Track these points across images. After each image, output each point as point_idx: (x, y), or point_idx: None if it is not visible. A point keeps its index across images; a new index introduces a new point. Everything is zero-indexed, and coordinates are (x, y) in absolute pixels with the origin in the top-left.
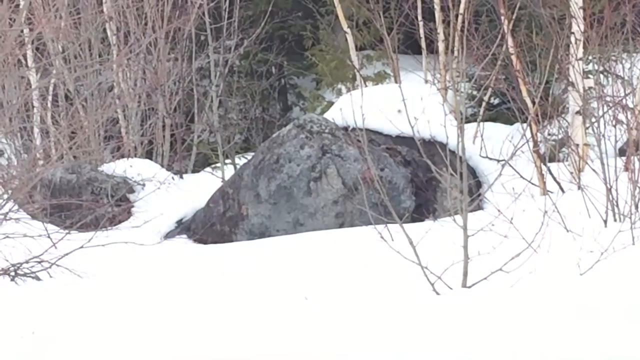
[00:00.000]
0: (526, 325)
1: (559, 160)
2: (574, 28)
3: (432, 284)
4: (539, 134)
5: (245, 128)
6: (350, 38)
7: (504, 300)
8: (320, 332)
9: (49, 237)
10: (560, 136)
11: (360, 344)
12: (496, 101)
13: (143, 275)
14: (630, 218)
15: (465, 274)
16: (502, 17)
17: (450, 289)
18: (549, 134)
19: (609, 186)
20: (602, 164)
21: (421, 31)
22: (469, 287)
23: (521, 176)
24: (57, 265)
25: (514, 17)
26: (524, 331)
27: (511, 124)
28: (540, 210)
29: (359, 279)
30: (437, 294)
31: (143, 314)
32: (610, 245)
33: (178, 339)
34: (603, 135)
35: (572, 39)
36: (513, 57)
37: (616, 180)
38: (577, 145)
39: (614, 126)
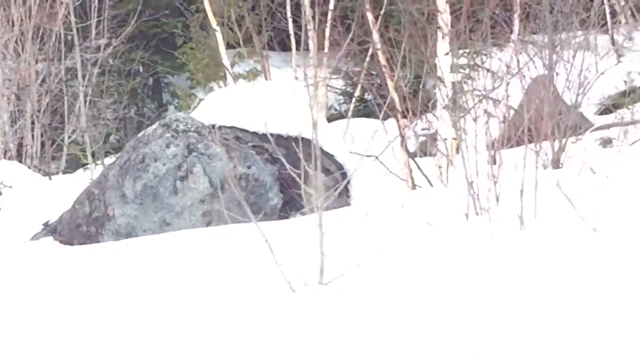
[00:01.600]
0: (379, 320)
1: (430, 155)
2: (440, 23)
3: (289, 282)
4: (408, 129)
5: (117, 128)
6: (219, 36)
7: (359, 296)
8: (174, 330)
9: None
10: (432, 131)
11: (210, 342)
12: (370, 97)
13: (5, 277)
14: (488, 212)
15: (321, 271)
16: (368, 13)
17: (306, 285)
18: (421, 129)
19: (470, 180)
20: (463, 158)
21: (290, 28)
22: (326, 284)
23: (390, 171)
24: None
25: (382, 12)
26: (376, 324)
27: (385, 119)
28: (401, 205)
29: (219, 278)
30: (293, 291)
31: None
32: (469, 239)
33: (39, 341)
34: (464, 129)
35: (439, 34)
36: (379, 53)
37: (477, 174)
38: (445, 139)
39: (476, 120)
